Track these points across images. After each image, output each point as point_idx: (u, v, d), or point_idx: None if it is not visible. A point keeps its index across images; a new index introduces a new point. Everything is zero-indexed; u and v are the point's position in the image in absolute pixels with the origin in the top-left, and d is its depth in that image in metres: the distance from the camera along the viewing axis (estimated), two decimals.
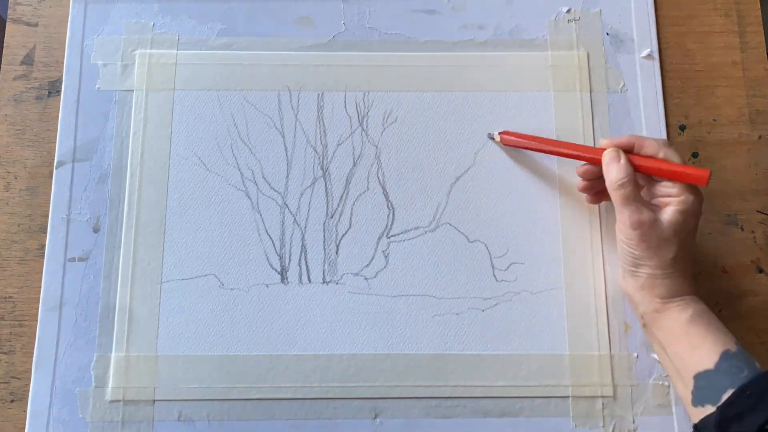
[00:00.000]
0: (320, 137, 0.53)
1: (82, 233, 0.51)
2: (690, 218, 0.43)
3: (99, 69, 0.54)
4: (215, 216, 0.51)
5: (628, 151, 0.45)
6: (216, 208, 0.51)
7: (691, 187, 0.43)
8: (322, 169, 0.52)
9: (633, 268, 0.44)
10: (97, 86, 0.54)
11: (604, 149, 0.45)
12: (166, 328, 0.49)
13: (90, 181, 0.52)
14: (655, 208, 0.43)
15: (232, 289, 0.50)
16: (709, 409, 0.39)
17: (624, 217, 0.43)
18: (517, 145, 0.50)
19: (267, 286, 0.50)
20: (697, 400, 0.40)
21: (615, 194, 0.43)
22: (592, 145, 0.52)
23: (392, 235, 0.51)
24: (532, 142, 0.49)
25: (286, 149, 0.53)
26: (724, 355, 0.40)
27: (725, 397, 0.39)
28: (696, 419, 0.41)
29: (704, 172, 0.42)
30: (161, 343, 0.49)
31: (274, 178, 0.52)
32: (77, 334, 0.49)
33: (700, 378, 0.41)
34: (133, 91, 0.53)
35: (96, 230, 0.51)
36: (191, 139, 0.53)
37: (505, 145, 0.51)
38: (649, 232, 0.42)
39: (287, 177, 0.52)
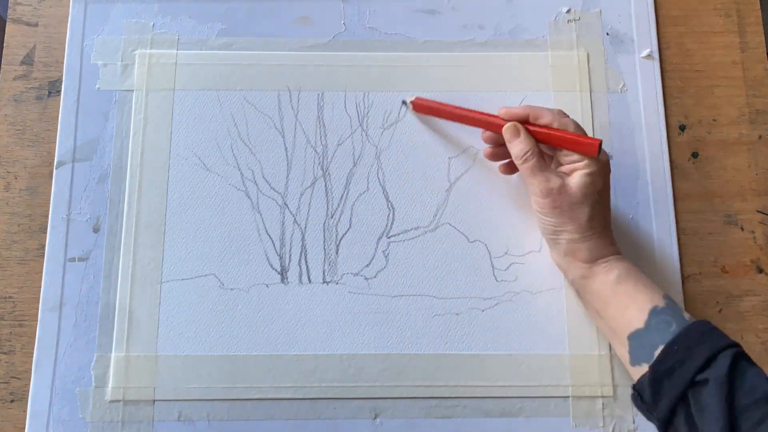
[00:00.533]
0: (320, 137, 0.53)
1: (82, 233, 0.51)
2: (597, 179, 0.43)
3: (99, 69, 0.54)
4: (215, 216, 0.51)
5: (524, 121, 0.46)
6: (216, 208, 0.51)
7: (556, 134, 0.44)
8: (322, 169, 0.52)
9: (553, 236, 0.45)
10: (97, 86, 0.54)
11: (506, 120, 0.46)
12: (166, 328, 0.49)
13: (90, 181, 0.52)
14: (563, 175, 0.44)
15: (232, 289, 0.50)
16: (645, 368, 0.40)
17: (534, 188, 0.44)
18: (427, 112, 0.51)
19: (267, 286, 0.50)
20: (633, 360, 0.41)
21: (521, 167, 0.45)
22: None
23: (392, 235, 0.51)
24: (442, 109, 0.50)
25: (286, 149, 0.53)
26: (653, 312, 0.41)
27: (657, 353, 0.39)
28: (635, 379, 0.41)
29: (594, 141, 0.43)
30: (161, 343, 0.49)
31: (274, 178, 0.52)
32: (77, 334, 0.49)
33: (633, 338, 0.41)
34: (133, 91, 0.53)
35: (96, 230, 0.51)
36: (191, 139, 0.53)
37: (416, 111, 0.52)
38: (559, 198, 0.43)
39: (287, 177, 0.52)
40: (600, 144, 0.43)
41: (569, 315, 0.49)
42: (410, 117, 0.53)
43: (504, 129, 0.46)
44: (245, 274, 0.50)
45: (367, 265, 0.51)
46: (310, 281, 0.50)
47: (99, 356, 0.49)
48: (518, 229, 0.51)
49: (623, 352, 0.42)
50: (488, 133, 0.49)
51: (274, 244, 0.51)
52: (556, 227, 0.44)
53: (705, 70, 0.55)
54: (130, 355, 0.49)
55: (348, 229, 0.51)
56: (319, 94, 0.53)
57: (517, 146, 0.45)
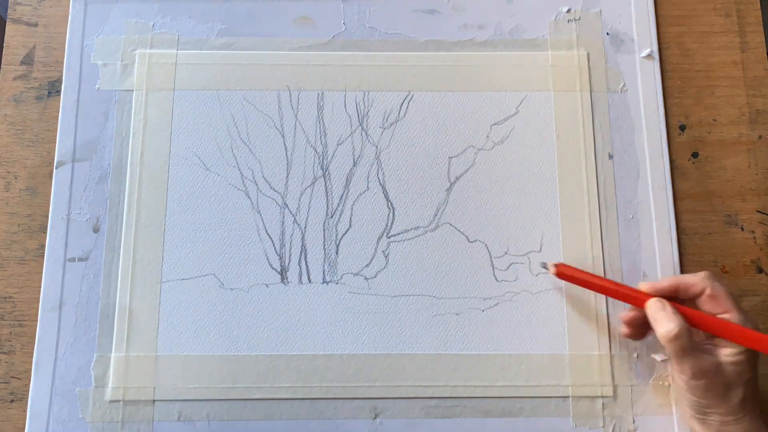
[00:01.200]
0: (320, 137, 0.53)
1: (82, 233, 0.51)
2: (754, 360, 0.42)
3: (99, 69, 0.54)
4: (215, 216, 0.51)
5: (671, 296, 0.44)
6: (216, 208, 0.51)
7: (745, 318, 0.42)
8: (322, 169, 0.52)
9: (701, 416, 0.42)
10: (97, 86, 0.53)
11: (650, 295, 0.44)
12: (166, 328, 0.49)
13: (90, 181, 0.52)
14: (714, 350, 0.42)
15: (232, 289, 0.50)
16: None
17: (685, 368, 0.41)
18: (570, 280, 0.47)
19: (267, 286, 0.50)
20: None
21: (670, 347, 0.42)
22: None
23: (392, 235, 0.51)
24: (585, 278, 0.46)
25: (286, 149, 0.52)
26: None
27: None
28: None
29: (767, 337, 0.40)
30: (161, 343, 0.49)
31: (274, 178, 0.52)
32: (77, 334, 0.49)
33: None
34: (133, 91, 0.53)
35: (96, 230, 0.51)
36: (191, 139, 0.52)
37: (559, 278, 0.48)
38: (713, 379, 0.41)
39: (287, 177, 0.52)
40: None
41: (569, 315, 0.49)
42: (410, 117, 0.53)
43: (648, 304, 0.43)
44: (245, 274, 0.50)
45: (367, 265, 0.50)
46: (310, 281, 0.50)
47: (99, 356, 0.49)
48: (518, 229, 0.51)
49: None
50: (630, 315, 0.45)
51: (274, 244, 0.51)
52: (707, 408, 0.42)
53: (705, 70, 0.54)
54: (130, 355, 0.48)
55: (348, 229, 0.51)
56: (319, 94, 0.53)
57: (664, 325, 0.42)
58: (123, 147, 0.52)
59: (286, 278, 0.50)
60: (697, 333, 0.44)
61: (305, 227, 0.51)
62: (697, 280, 0.43)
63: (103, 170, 0.52)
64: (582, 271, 0.47)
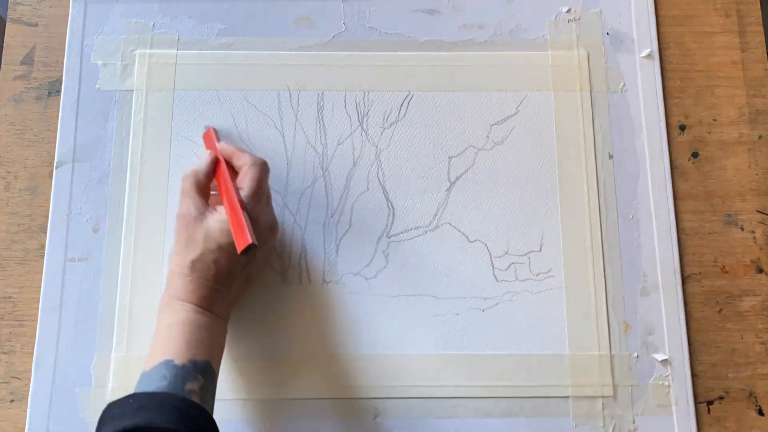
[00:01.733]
0: (320, 137, 0.53)
1: (82, 233, 0.51)
2: (226, 235, 0.42)
3: (99, 69, 0.54)
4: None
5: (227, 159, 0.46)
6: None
7: (231, 207, 0.43)
8: (322, 169, 0.52)
9: (169, 258, 0.45)
10: (97, 86, 0.53)
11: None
12: None
13: (90, 181, 0.52)
14: (209, 213, 0.44)
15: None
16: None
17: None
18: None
19: (267, 286, 0.50)
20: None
21: (181, 183, 0.45)
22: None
23: (392, 235, 0.51)
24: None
25: (286, 149, 0.52)
26: (164, 363, 0.39)
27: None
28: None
29: (244, 240, 0.40)
30: None
31: (274, 178, 0.51)
32: (77, 334, 0.49)
33: (142, 375, 0.40)
34: (133, 91, 0.53)
35: (96, 230, 0.51)
36: (191, 139, 0.52)
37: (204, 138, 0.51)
38: (185, 226, 0.43)
39: (287, 177, 0.52)
40: (249, 247, 0.40)
41: (569, 315, 0.49)
42: (410, 117, 0.53)
43: (208, 152, 0.47)
44: None
45: (367, 265, 0.50)
46: (310, 281, 0.50)
47: (99, 356, 0.48)
48: (518, 229, 0.51)
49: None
50: None
51: (274, 245, 0.50)
52: (171, 251, 0.45)
53: (705, 70, 0.55)
54: (130, 355, 0.48)
55: (348, 229, 0.51)
56: (319, 94, 0.53)
57: (194, 165, 0.46)
58: (123, 147, 0.52)
59: (287, 278, 0.50)
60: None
61: (305, 227, 0.51)
62: (244, 161, 0.45)
63: (104, 170, 0.52)
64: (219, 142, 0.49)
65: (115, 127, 0.53)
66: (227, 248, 0.42)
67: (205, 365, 0.41)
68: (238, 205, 0.42)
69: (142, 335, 0.49)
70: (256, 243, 0.40)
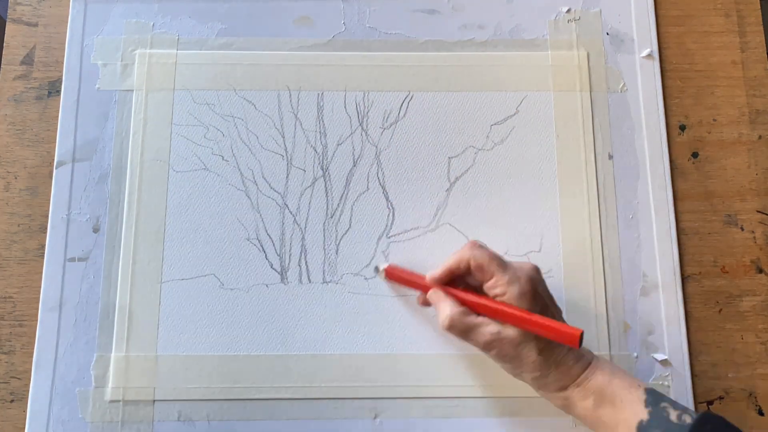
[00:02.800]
0: (320, 137, 0.53)
1: (82, 233, 0.51)
2: (524, 306, 0.41)
3: (99, 69, 0.54)
4: (215, 216, 0.51)
5: (455, 277, 0.44)
6: (216, 208, 0.51)
7: (510, 277, 0.42)
8: (322, 169, 0.52)
9: (518, 378, 0.43)
10: (97, 86, 0.53)
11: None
12: (166, 328, 0.49)
13: (90, 181, 0.51)
14: (494, 321, 0.42)
15: (232, 289, 0.50)
16: None
17: (473, 345, 0.43)
18: (397, 280, 0.49)
19: (267, 286, 0.50)
20: None
21: (450, 333, 0.43)
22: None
23: (392, 235, 0.51)
24: (408, 277, 0.48)
25: (286, 149, 0.52)
26: (639, 429, 0.39)
27: None
28: None
29: (575, 331, 0.39)
30: (161, 343, 0.49)
31: (274, 178, 0.52)
32: (77, 334, 0.49)
33: None
34: (133, 91, 0.53)
35: (96, 230, 0.51)
36: (191, 139, 0.52)
37: (389, 278, 0.49)
38: (502, 345, 0.41)
39: (287, 177, 0.52)
40: (581, 335, 0.39)
41: (569, 315, 0.49)
42: (410, 117, 0.53)
43: (429, 295, 0.45)
44: (245, 274, 0.50)
45: (367, 265, 0.50)
46: (310, 281, 0.50)
47: (99, 356, 0.48)
48: (518, 229, 0.51)
49: None
50: (423, 299, 0.47)
51: (274, 244, 0.51)
52: (514, 370, 0.43)
53: (705, 70, 0.54)
54: (130, 355, 0.48)
55: (348, 229, 0.51)
56: (319, 94, 0.53)
57: (439, 316, 0.43)
58: (123, 147, 0.52)
59: (286, 278, 0.50)
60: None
61: (305, 227, 0.51)
62: (462, 255, 0.43)
63: (103, 170, 0.52)
64: (406, 271, 0.48)
65: (115, 127, 0.52)
66: (538, 358, 0.42)
67: (648, 398, 0.41)
68: (527, 313, 0.41)
69: (142, 335, 0.49)
70: (581, 330, 0.40)
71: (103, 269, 0.50)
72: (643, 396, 0.40)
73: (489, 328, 0.42)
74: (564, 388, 0.42)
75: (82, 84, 0.53)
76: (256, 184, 0.52)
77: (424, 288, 0.46)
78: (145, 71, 0.53)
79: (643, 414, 0.40)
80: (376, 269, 0.50)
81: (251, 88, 0.53)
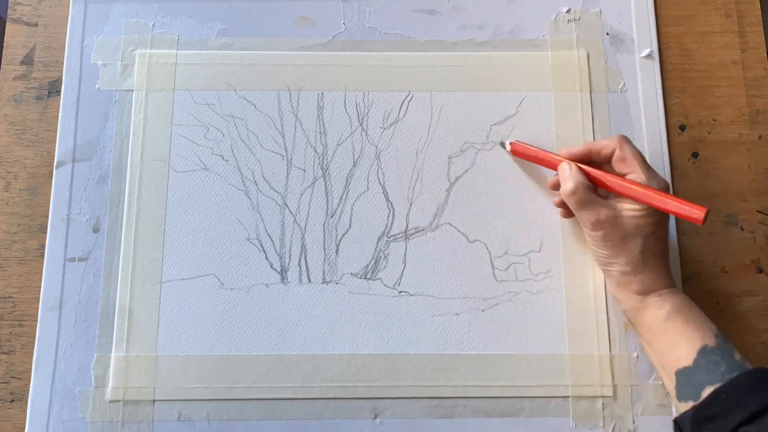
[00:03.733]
0: (320, 137, 0.52)
1: (82, 233, 0.51)
2: (648, 213, 0.43)
3: (99, 69, 0.53)
4: (215, 216, 0.51)
5: (586, 159, 0.46)
6: (216, 208, 0.51)
7: (650, 177, 0.43)
8: (322, 169, 0.52)
9: (606, 268, 0.45)
10: (97, 86, 0.53)
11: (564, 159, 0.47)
12: (166, 328, 0.49)
13: (90, 181, 0.51)
14: (616, 204, 0.44)
15: (232, 289, 0.50)
16: (689, 405, 0.40)
17: (584, 221, 0.44)
18: (523, 156, 0.51)
19: (267, 286, 0.50)
20: (680, 396, 0.41)
21: (570, 202, 0.44)
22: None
23: (392, 235, 0.51)
24: (535, 153, 0.49)
25: (286, 149, 0.52)
26: (702, 351, 0.40)
27: (705, 393, 0.39)
28: (680, 411, 0.41)
29: (701, 209, 0.41)
30: (161, 343, 0.49)
31: (274, 178, 0.52)
32: (77, 334, 0.49)
33: (680, 375, 0.41)
34: (133, 91, 0.53)
35: (96, 230, 0.51)
36: (191, 139, 0.52)
37: (514, 155, 0.51)
38: (611, 230, 0.43)
39: (287, 177, 0.52)
40: (707, 212, 0.40)
41: (569, 315, 0.49)
42: (410, 117, 0.53)
43: (559, 168, 0.46)
44: (245, 274, 0.50)
45: (367, 265, 0.50)
46: (310, 281, 0.50)
47: (99, 356, 0.48)
48: (518, 229, 0.51)
49: (670, 386, 0.43)
50: (554, 180, 0.49)
51: (274, 244, 0.51)
52: (608, 259, 0.44)
53: (705, 70, 0.54)
54: (130, 355, 0.48)
55: (348, 229, 0.51)
56: (319, 94, 0.53)
57: (565, 184, 0.44)
58: (123, 147, 0.52)
59: (286, 278, 0.50)
60: (606, 191, 0.46)
61: (305, 227, 0.51)
62: (608, 143, 0.45)
63: (103, 170, 0.52)
64: (531, 147, 0.49)
65: (115, 127, 0.52)
66: (656, 226, 0.43)
67: (719, 333, 0.42)
68: (649, 189, 0.42)
69: (142, 335, 0.49)
70: (707, 207, 0.41)
71: (103, 269, 0.50)
72: (715, 329, 0.42)
73: (607, 210, 0.43)
74: (645, 293, 0.43)
75: (82, 84, 0.53)
76: (256, 184, 0.52)
77: (553, 165, 0.47)
78: (145, 71, 0.53)
79: (711, 341, 0.41)
80: (502, 144, 0.51)
81: (251, 88, 0.53)
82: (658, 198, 0.42)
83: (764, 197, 0.51)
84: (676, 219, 0.51)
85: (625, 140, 0.45)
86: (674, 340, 0.42)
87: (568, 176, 0.44)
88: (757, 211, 0.51)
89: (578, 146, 0.46)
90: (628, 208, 0.43)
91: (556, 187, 0.48)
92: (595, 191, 0.45)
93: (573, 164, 0.45)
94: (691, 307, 0.43)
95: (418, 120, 0.53)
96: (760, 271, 0.50)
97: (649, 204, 0.42)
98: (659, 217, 0.43)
